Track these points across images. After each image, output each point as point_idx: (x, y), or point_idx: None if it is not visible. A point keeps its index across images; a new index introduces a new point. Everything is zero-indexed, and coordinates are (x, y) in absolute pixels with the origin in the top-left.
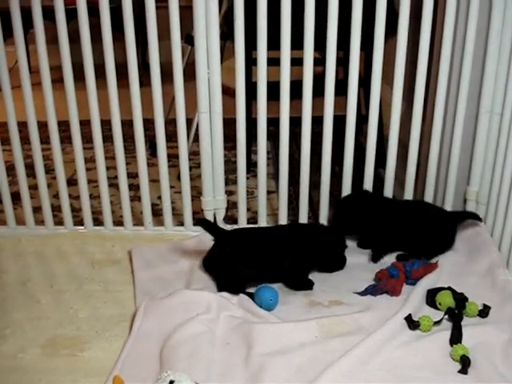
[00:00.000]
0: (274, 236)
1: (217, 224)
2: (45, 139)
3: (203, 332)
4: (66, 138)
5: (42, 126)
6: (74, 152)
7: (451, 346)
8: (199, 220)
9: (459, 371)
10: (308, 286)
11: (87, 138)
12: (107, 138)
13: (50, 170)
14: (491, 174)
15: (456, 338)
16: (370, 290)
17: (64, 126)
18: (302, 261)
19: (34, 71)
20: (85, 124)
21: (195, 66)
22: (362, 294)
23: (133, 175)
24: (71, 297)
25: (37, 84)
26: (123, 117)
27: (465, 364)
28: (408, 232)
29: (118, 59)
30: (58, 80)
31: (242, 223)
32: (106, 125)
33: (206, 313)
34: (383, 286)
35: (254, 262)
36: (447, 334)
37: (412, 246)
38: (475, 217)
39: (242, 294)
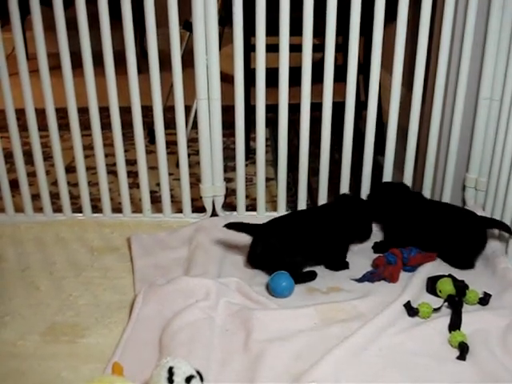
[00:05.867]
0: (308, 219)
1: (245, 222)
2: (43, 126)
3: (202, 318)
4: (64, 125)
5: (40, 113)
6: (72, 139)
7: (450, 332)
8: (228, 225)
9: (457, 357)
10: (346, 266)
11: (85, 125)
12: (105, 125)
13: (48, 157)
14: (490, 161)
15: (455, 324)
16: (368, 277)
17: (62, 113)
18: (341, 239)
19: (32, 58)
20: (83, 111)
21: (193, 52)
22: (360, 280)
23: (131, 162)
24: (70, 284)
25: (34, 71)
26: (121, 104)
27: (463, 350)
28: (435, 235)
29: (116, 46)
30: (55, 67)
31: (241, 210)
32: (105, 112)
33: (205, 299)
34: (381, 272)
35: (298, 248)
36: (446, 321)
37: (437, 249)
38: (505, 228)
39: (239, 280)
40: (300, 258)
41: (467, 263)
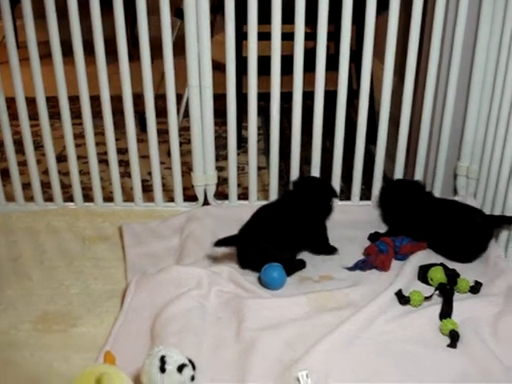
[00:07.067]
0: (281, 212)
1: (229, 236)
2: (33, 115)
3: (194, 307)
4: (54, 114)
5: (31, 102)
6: (62, 128)
7: (441, 320)
8: (217, 242)
9: (448, 345)
10: (334, 249)
11: (76, 114)
12: (96, 113)
13: (39, 146)
14: (481, 149)
15: (446, 312)
16: (360, 266)
17: (52, 102)
18: (316, 219)
19: (22, 46)
20: (73, 100)
21: (185, 40)
22: (351, 269)
23: (122, 151)
24: (62, 273)
25: (24, 59)
26: (112, 92)
27: (454, 338)
28: (440, 233)
29: (107, 34)
30: (46, 55)
31: (233, 199)
32: (95, 100)
33: (197, 288)
34: (372, 261)
35: (283, 242)
36: (437, 309)
37: (442, 247)
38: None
39: (231, 269)
40: (289, 251)
41: (468, 259)
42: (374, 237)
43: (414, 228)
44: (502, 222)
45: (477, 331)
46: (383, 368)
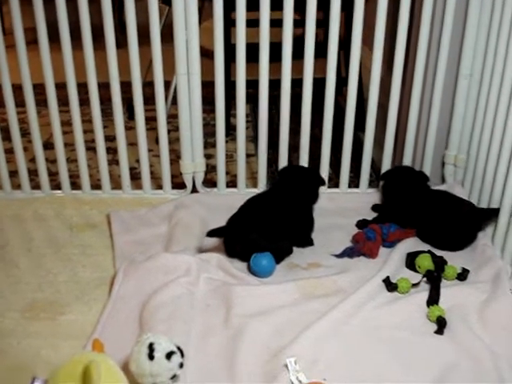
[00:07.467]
0: (269, 203)
1: (219, 227)
2: (20, 102)
3: (183, 294)
4: (41, 101)
5: (17, 89)
6: (49, 115)
7: (428, 307)
8: (208, 233)
9: (435, 332)
10: (311, 242)
11: (63, 101)
12: (84, 100)
13: (25, 133)
14: (469, 138)
15: (433, 299)
16: (348, 253)
17: (39, 89)
18: (306, 212)
19: (8, 33)
20: (61, 87)
21: (173, 27)
22: (339, 256)
23: (110, 138)
24: (50, 261)
25: (11, 46)
26: (100, 79)
27: (441, 325)
28: (429, 223)
29: (95, 20)
30: (32, 42)
31: (221, 187)
32: (83, 87)
33: (185, 275)
34: (360, 248)
35: (274, 233)
36: (425, 296)
37: (430, 237)
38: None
39: (220, 256)
40: (277, 241)
41: (455, 249)
42: (361, 224)
43: (405, 216)
44: (491, 214)
45: (464, 318)
46: (371, 354)
